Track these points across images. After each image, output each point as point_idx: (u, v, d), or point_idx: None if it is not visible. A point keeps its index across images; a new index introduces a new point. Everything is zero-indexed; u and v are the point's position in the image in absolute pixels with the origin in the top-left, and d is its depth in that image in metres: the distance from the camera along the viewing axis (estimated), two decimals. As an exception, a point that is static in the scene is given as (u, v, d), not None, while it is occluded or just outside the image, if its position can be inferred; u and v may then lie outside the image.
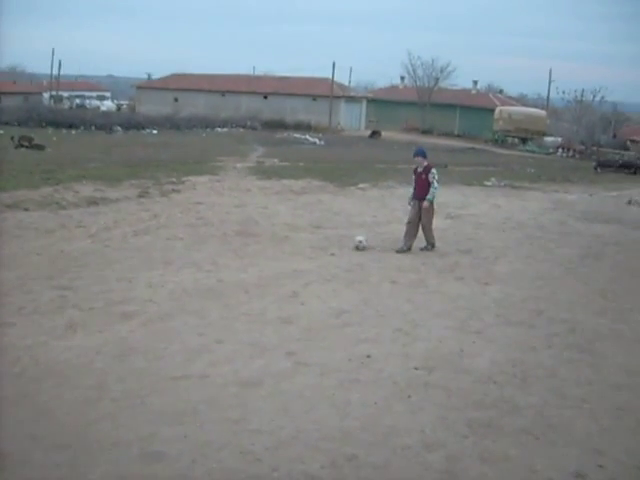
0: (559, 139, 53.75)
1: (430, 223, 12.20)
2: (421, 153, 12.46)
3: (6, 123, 42.93)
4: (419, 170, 12.23)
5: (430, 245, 12.20)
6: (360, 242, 12.00)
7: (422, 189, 12.11)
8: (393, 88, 75.70)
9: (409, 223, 12.19)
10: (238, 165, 24.72)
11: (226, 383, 6.13)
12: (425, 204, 11.99)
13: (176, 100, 63.41)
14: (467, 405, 5.96)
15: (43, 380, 6.07)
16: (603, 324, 8.56)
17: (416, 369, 6.69)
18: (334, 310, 8.41)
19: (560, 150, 50.31)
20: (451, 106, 64.70)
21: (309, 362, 6.71)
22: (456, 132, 62.71)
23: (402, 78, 73.68)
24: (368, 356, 6.93)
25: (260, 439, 5.20)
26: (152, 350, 6.84)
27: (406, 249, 12.00)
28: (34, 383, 6.01)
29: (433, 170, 12.12)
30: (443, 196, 18.01)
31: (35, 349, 6.75)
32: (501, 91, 76.67)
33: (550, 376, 6.77)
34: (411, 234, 12.14)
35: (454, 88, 68.99)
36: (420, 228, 12.19)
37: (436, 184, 12.04)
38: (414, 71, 67.72)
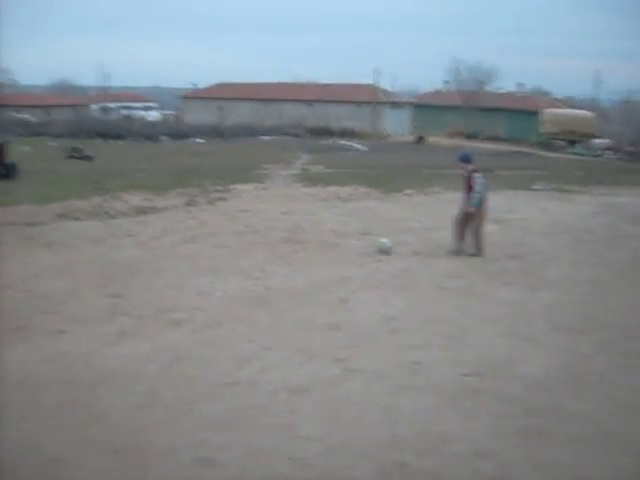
0: (608, 141, 52.77)
1: (476, 228, 12.11)
2: (463, 158, 12.48)
3: (57, 135, 43.89)
4: (464, 175, 12.23)
5: (477, 250, 12.10)
6: (384, 244, 12.10)
7: (467, 193, 12.11)
8: (437, 93, 75.23)
9: (455, 223, 12.21)
10: (283, 172, 24.86)
11: (275, 390, 6.16)
12: (468, 209, 11.94)
13: (221, 109, 64.02)
14: (518, 412, 5.89)
15: (96, 386, 6.19)
16: (657, 329, 8.38)
17: (466, 376, 6.63)
18: (382, 316, 8.39)
19: (609, 152, 49.40)
20: (497, 110, 64.02)
21: (358, 368, 6.70)
22: (502, 136, 62.03)
23: (446, 82, 73.25)
24: (417, 362, 6.90)
25: (310, 445, 5.22)
26: (202, 357, 6.92)
27: (453, 252, 12.00)
28: (88, 389, 6.13)
29: (475, 174, 12.07)
30: (488, 200, 17.90)
31: (88, 356, 6.88)
32: (548, 93, 75.70)
33: (603, 382, 6.65)
34: (457, 236, 12.12)
35: (499, 91, 68.34)
36: (469, 232, 12.15)
37: (478, 188, 11.96)
38: (458, 75, 67.30)
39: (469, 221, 12.07)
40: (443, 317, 8.49)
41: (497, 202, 18.02)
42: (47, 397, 5.95)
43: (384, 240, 12.23)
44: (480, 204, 11.98)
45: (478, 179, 12.02)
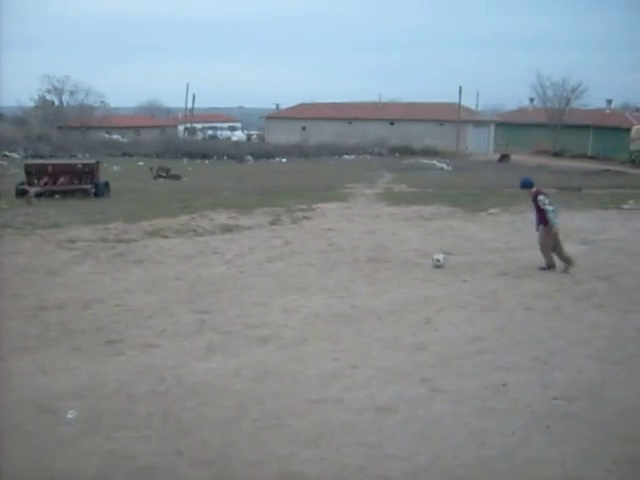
0: None
1: (546, 245, 12.19)
2: (524, 184, 12.66)
3: (145, 155, 45.29)
4: (531, 198, 12.50)
5: (547, 266, 12.18)
6: (438, 260, 12.22)
7: (537, 214, 12.37)
8: (522, 110, 74.00)
9: (543, 252, 12.36)
10: (367, 191, 24.92)
11: (362, 408, 6.18)
12: (554, 229, 12.08)
13: (304, 129, 64.73)
14: (611, 438, 5.72)
15: (186, 399, 6.34)
16: None
17: (555, 399, 6.49)
18: (468, 337, 8.30)
19: None
20: (584, 127, 62.48)
21: (444, 389, 6.65)
22: (589, 154, 60.47)
23: (531, 100, 71.97)
24: (504, 384, 6.79)
25: (397, 465, 5.21)
26: (289, 373, 7.00)
27: (546, 267, 12.17)
28: (178, 402, 6.29)
29: (539, 197, 12.24)
30: (577, 220, 17.54)
31: (178, 370, 7.06)
32: (638, 109, 73.41)
33: (702, 410, 6.40)
34: (559, 257, 12.30)
35: (586, 108, 66.71)
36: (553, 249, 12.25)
37: (548, 207, 12.11)
38: (544, 92, 66.01)
39: (539, 237, 12.32)
40: (531, 339, 8.33)
41: (586, 222, 17.64)
42: (140, 408, 6.14)
43: (438, 256, 12.36)
44: (554, 221, 12.12)
45: (542, 200, 12.17)
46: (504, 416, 6.09)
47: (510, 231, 16.57)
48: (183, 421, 5.90)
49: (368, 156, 52.44)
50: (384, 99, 69.18)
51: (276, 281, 11.00)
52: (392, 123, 62.60)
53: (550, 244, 12.20)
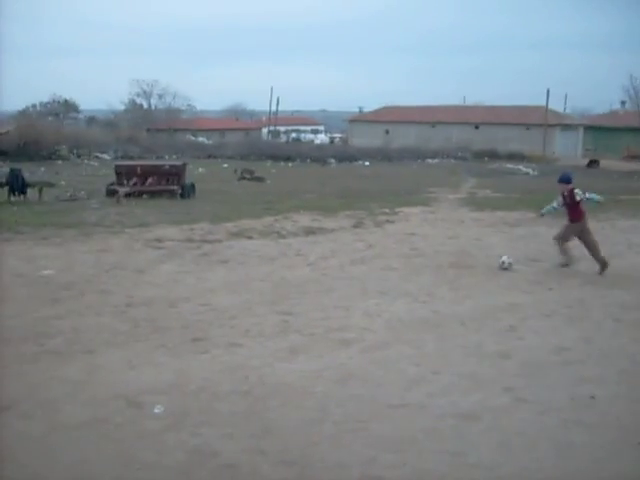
0: None
1: (590, 241, 12.20)
2: (565, 179, 12.55)
3: (230, 157, 46.12)
4: (565, 194, 12.34)
5: (602, 266, 12.02)
6: (504, 262, 12.22)
7: (571, 211, 12.32)
8: (612, 114, 72.00)
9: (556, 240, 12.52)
10: (450, 196, 24.70)
11: (444, 414, 6.12)
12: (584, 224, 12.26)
13: (387, 132, 64.62)
14: None
15: (269, 399, 6.42)
16: None
17: (645, 414, 6.29)
18: (554, 346, 8.12)
19: None
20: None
21: (528, 399, 6.53)
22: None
23: (623, 103, 69.92)
24: (592, 397, 6.61)
25: (479, 474, 5.15)
26: (371, 377, 7.00)
27: (561, 264, 12.31)
28: (261, 401, 6.37)
29: (576, 190, 12.22)
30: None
31: (261, 369, 7.16)
32: None
33: None
34: (562, 250, 12.37)
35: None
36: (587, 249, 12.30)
37: (586, 194, 12.25)
38: (636, 95, 63.98)
39: (586, 235, 12.23)
40: (619, 351, 8.08)
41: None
42: (223, 406, 6.25)
43: (504, 258, 12.33)
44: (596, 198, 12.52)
45: (579, 192, 12.20)
46: (592, 430, 5.92)
47: (598, 239, 16.10)
48: (265, 420, 5.97)
49: (452, 160, 51.92)
50: (468, 102, 68.38)
51: (358, 284, 11.01)
52: (476, 127, 61.86)
53: (568, 238, 12.26)
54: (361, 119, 72.18)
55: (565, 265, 12.29)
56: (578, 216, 12.26)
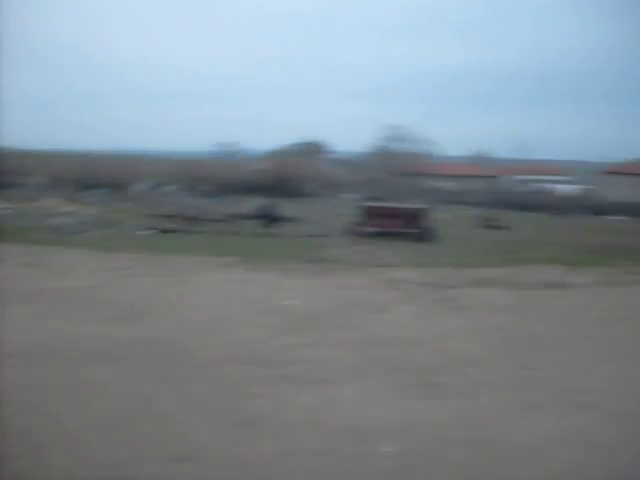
0: None
1: None
2: None
3: (472, 204, 45.81)
4: None
5: None
6: None
7: None
8: None
9: None
10: None
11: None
12: None
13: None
14: None
15: (499, 454, 6.17)
16: None
17: None
18: None
19: None
20: None
21: None
22: None
23: None
24: None
25: None
26: (613, 446, 6.50)
27: None
28: (491, 456, 6.14)
29: None
30: None
31: (493, 422, 6.93)
32: None
33: None
34: None
35: None
36: None
37: None
38: None
39: None
40: None
41: None
42: (454, 454, 6.11)
43: None
44: None
45: None
46: None
47: None
48: (489, 474, 5.77)
49: None
50: None
51: (601, 346, 10.31)
52: None
53: None
54: (617, 170, 67.92)
55: None
56: None
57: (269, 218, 22.16)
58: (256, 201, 28.40)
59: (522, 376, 8.56)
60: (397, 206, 27.39)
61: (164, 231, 21.75)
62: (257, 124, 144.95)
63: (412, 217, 23.57)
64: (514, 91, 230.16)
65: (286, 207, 30.75)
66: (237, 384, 7.65)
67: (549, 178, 77.41)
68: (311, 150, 77.29)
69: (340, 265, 16.25)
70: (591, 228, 33.08)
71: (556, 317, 12.21)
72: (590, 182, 73.57)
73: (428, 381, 8.15)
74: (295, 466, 5.72)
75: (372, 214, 23.58)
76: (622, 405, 7.69)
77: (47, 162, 38.07)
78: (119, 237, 20.33)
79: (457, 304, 12.73)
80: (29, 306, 10.73)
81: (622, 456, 6.30)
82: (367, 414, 6.98)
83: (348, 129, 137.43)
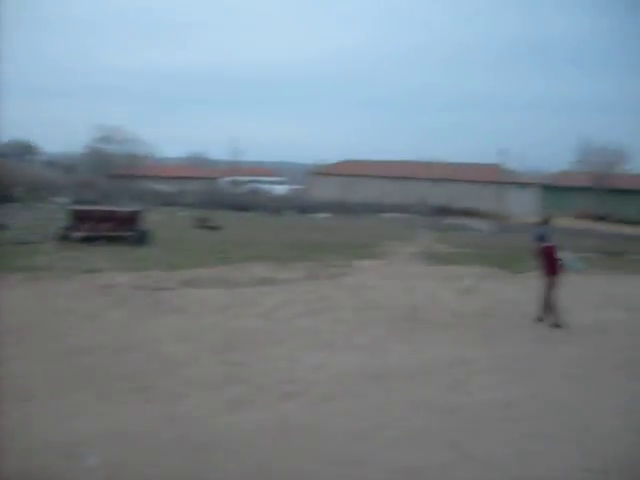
0: None
1: (553, 296, 12.62)
2: (540, 237, 13.50)
3: (188, 205, 45.95)
4: (539, 249, 13.21)
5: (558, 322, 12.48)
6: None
7: (548, 265, 12.91)
8: (564, 173, 73.71)
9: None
10: (406, 250, 24.81)
11: (386, 470, 6.02)
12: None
13: (347, 185, 65.13)
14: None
15: (207, 451, 6.24)
16: None
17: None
18: (501, 402, 8.10)
19: None
20: (630, 191, 62.05)
21: (474, 455, 6.47)
22: (635, 218, 59.57)
23: (575, 163, 71.64)
24: (537, 452, 6.58)
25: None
26: (313, 431, 6.86)
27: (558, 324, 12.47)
28: (199, 453, 6.19)
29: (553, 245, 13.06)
30: (619, 286, 17.22)
31: (204, 420, 7.00)
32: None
33: None
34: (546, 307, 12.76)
35: (632, 172, 66.22)
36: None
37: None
38: (587, 156, 65.83)
39: (552, 289, 12.70)
40: (564, 406, 8.11)
41: (629, 288, 17.32)
42: (163, 458, 6.06)
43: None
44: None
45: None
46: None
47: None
48: (203, 474, 5.81)
49: (410, 215, 52.39)
50: (425, 158, 69.50)
51: (308, 336, 10.91)
52: (434, 182, 62.72)
53: (557, 296, 12.59)
54: (322, 172, 72.55)
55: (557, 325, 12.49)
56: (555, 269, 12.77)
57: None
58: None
59: (233, 372, 8.73)
60: (109, 209, 26.56)
61: None
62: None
63: (125, 220, 22.97)
64: (229, 94, 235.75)
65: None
66: None
67: (263, 179, 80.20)
68: (18, 151, 72.44)
69: (48, 273, 15.36)
70: (300, 226, 34.86)
71: (271, 312, 12.63)
72: (301, 182, 77.53)
73: (140, 385, 8.00)
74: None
75: (82, 218, 22.56)
76: (322, 391, 8.17)
77: None
78: None
79: (170, 306, 12.66)
80: None
81: (312, 439, 6.69)
82: (74, 428, 6.66)
83: (58, 129, 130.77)
